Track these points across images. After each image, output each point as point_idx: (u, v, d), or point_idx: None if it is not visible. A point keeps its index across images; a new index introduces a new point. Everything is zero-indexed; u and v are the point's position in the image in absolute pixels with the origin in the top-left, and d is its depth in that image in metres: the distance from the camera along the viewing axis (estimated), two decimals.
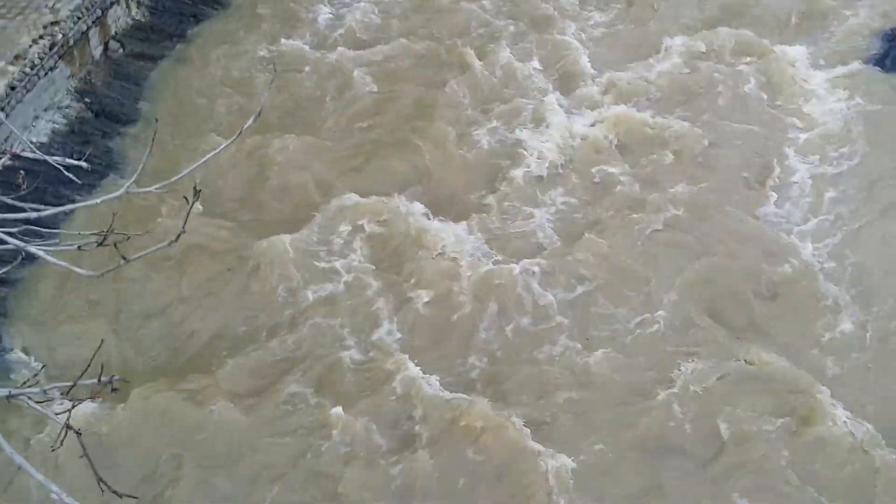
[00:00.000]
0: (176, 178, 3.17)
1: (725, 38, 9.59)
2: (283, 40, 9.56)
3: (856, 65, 9.35)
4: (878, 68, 9.29)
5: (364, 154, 8.41)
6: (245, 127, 3.29)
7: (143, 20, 9.73)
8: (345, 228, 7.61)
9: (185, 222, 2.65)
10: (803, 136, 8.57)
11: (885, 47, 9.44)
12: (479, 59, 9.32)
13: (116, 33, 9.36)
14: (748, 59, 9.41)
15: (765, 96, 9.00)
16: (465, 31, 9.69)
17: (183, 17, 10.01)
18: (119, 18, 9.38)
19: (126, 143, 8.40)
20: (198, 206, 7.40)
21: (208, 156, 3.08)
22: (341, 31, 9.75)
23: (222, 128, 8.46)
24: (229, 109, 8.74)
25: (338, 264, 7.36)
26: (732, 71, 9.25)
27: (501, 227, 7.75)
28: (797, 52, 9.38)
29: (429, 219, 7.75)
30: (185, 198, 2.52)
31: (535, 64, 9.35)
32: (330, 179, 8.13)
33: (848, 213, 7.79)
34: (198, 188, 2.61)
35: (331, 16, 9.93)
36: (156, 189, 3.20)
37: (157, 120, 7.79)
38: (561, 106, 8.83)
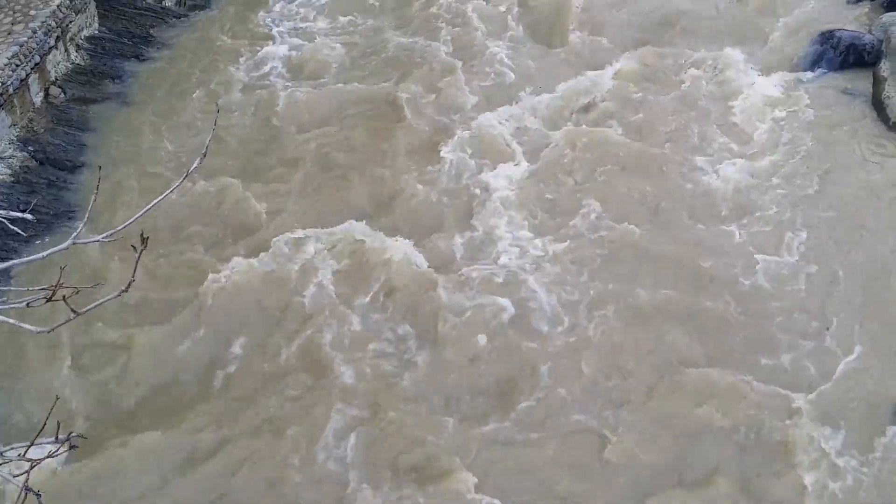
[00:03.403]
0: (122, 226, 3.13)
1: (662, 51, 9.78)
2: (226, 79, 9.52)
3: (791, 69, 9.60)
4: (815, 71, 9.57)
5: (315, 188, 8.35)
6: (191, 169, 3.26)
7: (83, 63, 9.62)
8: (300, 260, 7.56)
9: (135, 271, 2.61)
10: (743, 144, 8.72)
11: (819, 50, 9.71)
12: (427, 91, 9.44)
13: (57, 78, 9.24)
14: (685, 70, 9.58)
15: (705, 105, 9.15)
16: (411, 68, 9.67)
17: (124, 58, 9.94)
18: (59, 63, 9.27)
19: (73, 191, 8.28)
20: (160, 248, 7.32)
21: (154, 202, 3.04)
22: (286, 68, 9.74)
23: (170, 168, 8.38)
24: (175, 150, 8.66)
25: (299, 297, 7.31)
26: (671, 83, 9.42)
27: (459, 249, 7.77)
28: (733, 61, 9.59)
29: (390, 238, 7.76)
30: (133, 246, 2.48)
31: (479, 93, 9.48)
32: (279, 214, 8.06)
33: (794, 217, 7.94)
34: (145, 236, 2.57)
35: (275, 54, 9.91)
36: (102, 239, 3.15)
37: (100, 168, 7.66)
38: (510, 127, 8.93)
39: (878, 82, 9.26)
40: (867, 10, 10.49)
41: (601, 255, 7.55)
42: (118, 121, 9.06)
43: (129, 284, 2.54)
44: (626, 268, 7.45)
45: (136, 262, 2.54)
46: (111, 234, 3.16)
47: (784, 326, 6.95)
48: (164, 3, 10.60)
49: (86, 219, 3.18)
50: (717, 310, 7.10)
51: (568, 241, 7.68)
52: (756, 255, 7.55)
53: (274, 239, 7.67)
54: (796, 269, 7.41)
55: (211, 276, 7.31)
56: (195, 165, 3.26)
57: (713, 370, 6.71)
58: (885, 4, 10.35)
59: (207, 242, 7.70)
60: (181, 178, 3.25)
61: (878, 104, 9.10)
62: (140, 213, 3.04)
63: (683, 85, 9.41)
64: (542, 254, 7.57)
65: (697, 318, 7.07)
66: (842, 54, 9.61)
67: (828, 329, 6.94)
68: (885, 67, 9.24)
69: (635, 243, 7.65)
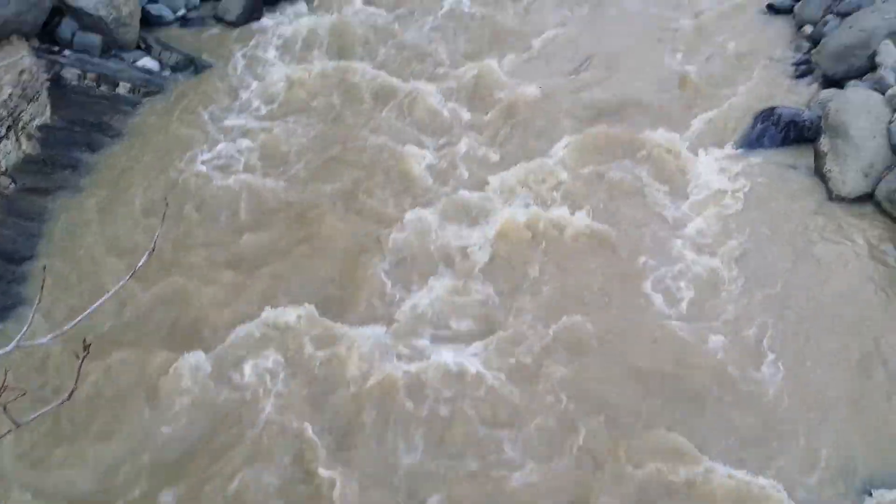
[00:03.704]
0: (68, 326, 3.07)
1: (606, 134, 10.00)
2: (179, 169, 9.50)
3: (736, 147, 9.90)
4: (757, 148, 9.88)
5: (267, 278, 8.29)
6: (138, 266, 3.23)
7: (34, 153, 9.55)
8: (253, 349, 7.44)
9: (77, 378, 2.54)
10: (690, 223, 8.87)
11: (761, 128, 10.04)
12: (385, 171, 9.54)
13: (7, 169, 9.14)
14: (629, 152, 9.79)
15: (649, 186, 9.33)
16: (369, 163, 9.77)
17: (76, 146, 9.88)
18: (9, 153, 9.19)
19: (23, 284, 8.07)
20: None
21: (99, 301, 3.00)
22: (240, 159, 9.75)
23: (122, 260, 8.24)
24: (127, 241, 8.52)
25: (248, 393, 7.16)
26: (617, 165, 9.58)
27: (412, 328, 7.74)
28: (681, 141, 9.85)
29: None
30: (76, 353, 2.43)
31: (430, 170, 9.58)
32: (227, 307, 7.95)
33: (741, 297, 8.04)
34: (87, 342, 2.52)
35: (230, 145, 9.93)
36: (48, 340, 3.08)
37: (45, 268, 7.51)
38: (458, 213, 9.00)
39: (818, 157, 9.57)
40: (807, 86, 10.92)
41: (548, 346, 7.53)
42: (70, 211, 8.94)
43: (71, 392, 2.47)
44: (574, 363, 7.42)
45: (79, 369, 2.48)
46: (56, 336, 3.10)
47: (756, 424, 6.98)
48: (117, 90, 10.63)
49: (30, 321, 3.11)
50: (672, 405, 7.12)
51: (512, 330, 7.66)
52: (713, 338, 7.64)
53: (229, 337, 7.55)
54: (757, 357, 7.48)
55: (161, 379, 7.16)
56: (142, 262, 3.23)
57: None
58: (823, 81, 10.79)
59: (157, 342, 7.51)
60: (128, 275, 3.22)
61: (820, 177, 9.39)
62: (84, 314, 2.99)
63: (633, 167, 9.58)
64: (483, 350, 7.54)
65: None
66: (783, 131, 9.94)
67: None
68: (824, 142, 9.56)
69: (582, 336, 7.66)
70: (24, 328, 3.14)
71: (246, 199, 9.07)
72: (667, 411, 6.99)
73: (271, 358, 7.32)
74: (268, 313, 7.69)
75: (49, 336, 3.03)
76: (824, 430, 6.81)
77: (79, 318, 2.81)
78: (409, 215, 8.82)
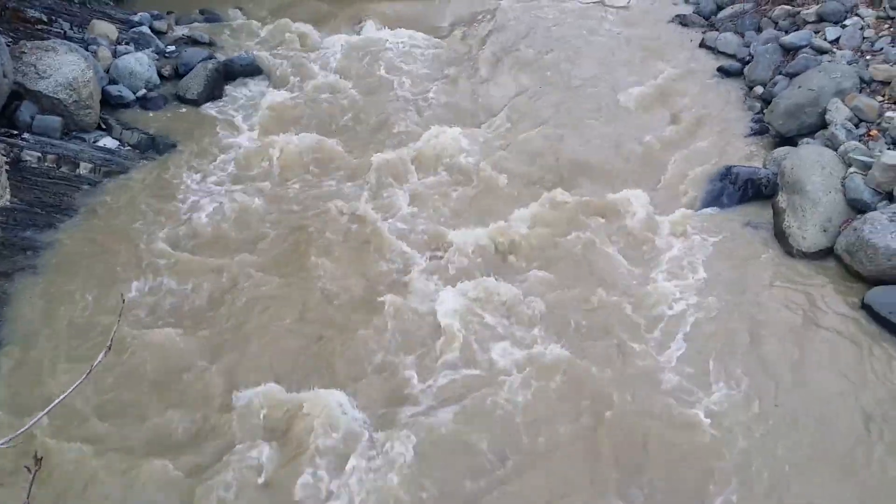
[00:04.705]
0: (23, 429, 2.97)
1: (565, 199, 10.11)
2: (141, 249, 9.39)
3: (694, 206, 10.07)
4: (716, 207, 10.04)
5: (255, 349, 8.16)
6: (95, 364, 3.14)
7: None
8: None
9: (30, 493, 2.44)
10: (649, 286, 8.91)
11: (719, 186, 10.25)
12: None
13: None
14: (588, 215, 9.90)
15: (613, 251, 9.40)
16: (330, 238, 9.79)
17: (37, 228, 9.75)
18: None
19: None
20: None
21: (52, 405, 2.91)
22: (202, 237, 9.68)
23: (84, 346, 8.04)
24: (88, 326, 8.33)
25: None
26: (577, 231, 9.66)
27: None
28: (639, 203, 9.99)
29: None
30: (27, 467, 2.33)
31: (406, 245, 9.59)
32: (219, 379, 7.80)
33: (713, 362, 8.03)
34: (39, 455, 2.43)
35: (192, 224, 9.85)
36: (2, 445, 2.98)
37: None
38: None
39: (777, 213, 9.75)
40: (761, 145, 11.20)
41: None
42: (30, 295, 8.74)
43: None
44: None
45: (31, 485, 2.38)
46: (9, 440, 2.99)
47: None
48: (77, 171, 10.55)
49: None
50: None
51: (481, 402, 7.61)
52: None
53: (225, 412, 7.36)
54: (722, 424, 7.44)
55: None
56: (98, 360, 3.14)
57: None
58: (778, 139, 11.06)
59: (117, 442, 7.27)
60: (84, 375, 3.12)
61: (780, 234, 9.55)
62: (33, 422, 2.89)
63: (591, 230, 9.66)
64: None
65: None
66: (741, 189, 10.14)
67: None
68: (782, 199, 9.76)
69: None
70: None
71: (210, 279, 8.95)
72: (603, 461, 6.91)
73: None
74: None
75: (2, 441, 2.92)
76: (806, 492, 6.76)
77: (27, 426, 2.71)
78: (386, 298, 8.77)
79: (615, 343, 8.13)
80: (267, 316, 8.50)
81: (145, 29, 13.80)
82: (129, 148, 11.26)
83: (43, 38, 12.10)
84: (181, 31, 14.29)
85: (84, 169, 10.64)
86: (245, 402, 7.39)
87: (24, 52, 11.11)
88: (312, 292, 8.77)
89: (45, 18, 12.87)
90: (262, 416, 7.27)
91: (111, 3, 14.97)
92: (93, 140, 11.13)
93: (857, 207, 9.30)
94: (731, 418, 7.29)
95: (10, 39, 11.73)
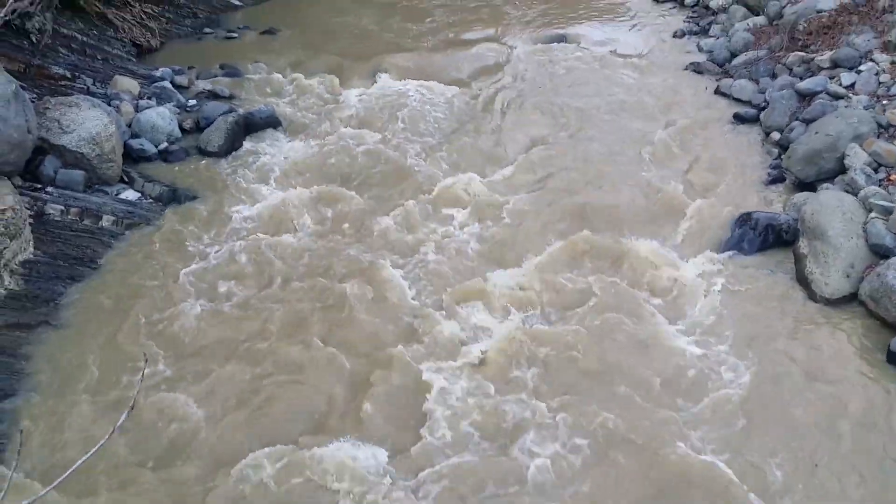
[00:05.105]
0: (43, 492, 2.96)
1: (587, 242, 10.11)
2: (164, 298, 9.45)
3: (715, 252, 10.02)
4: (738, 253, 9.99)
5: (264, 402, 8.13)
6: (117, 425, 3.15)
7: (17, 289, 9.49)
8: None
9: None
10: (678, 326, 8.87)
11: (739, 233, 10.20)
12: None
13: None
14: (612, 261, 9.88)
15: (637, 295, 9.36)
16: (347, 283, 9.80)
17: (59, 280, 9.85)
18: None
19: (6, 425, 7.85)
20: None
21: (76, 465, 2.90)
22: (226, 288, 9.73)
23: (106, 401, 8.04)
24: (110, 379, 8.34)
25: None
26: (598, 276, 9.63)
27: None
28: (659, 249, 9.97)
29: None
30: None
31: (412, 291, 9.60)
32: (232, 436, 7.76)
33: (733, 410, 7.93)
34: None
35: (215, 274, 9.92)
36: None
37: (21, 432, 7.30)
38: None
39: (799, 260, 9.68)
40: (780, 190, 11.17)
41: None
42: (53, 348, 8.80)
43: None
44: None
45: None
46: (33, 501, 2.98)
47: None
48: (100, 223, 10.68)
49: (5, 489, 2.99)
50: None
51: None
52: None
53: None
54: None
55: None
56: (122, 420, 3.15)
57: None
58: (796, 184, 11.04)
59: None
60: (107, 435, 3.13)
61: (802, 281, 9.47)
62: (59, 480, 2.89)
63: (615, 275, 9.64)
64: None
65: None
66: (761, 235, 10.09)
67: None
68: (803, 245, 9.70)
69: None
70: (6, 485, 3.02)
71: (230, 331, 8.97)
72: None
73: None
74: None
75: (26, 502, 2.91)
76: None
77: (51, 486, 2.71)
78: (395, 350, 8.74)
79: (638, 401, 8.03)
80: (285, 374, 8.48)
81: (167, 84, 14.06)
82: (150, 200, 11.41)
83: (67, 94, 12.36)
84: (202, 85, 14.54)
85: (106, 221, 10.77)
86: (259, 463, 7.36)
87: (48, 108, 11.34)
88: (332, 350, 8.75)
89: (68, 75, 13.15)
90: (274, 478, 7.23)
91: (133, 59, 15.28)
92: (115, 193, 11.29)
93: (880, 253, 9.22)
94: (768, 477, 7.16)
95: (35, 95, 11.99)
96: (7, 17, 11.91)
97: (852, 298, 9.12)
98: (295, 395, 8.21)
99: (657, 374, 8.30)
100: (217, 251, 10.32)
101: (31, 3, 12.89)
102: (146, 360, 8.26)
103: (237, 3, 19.56)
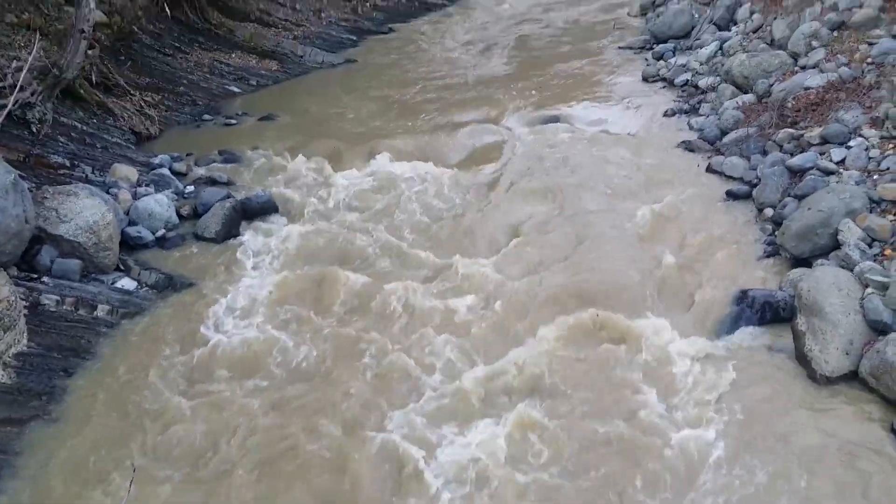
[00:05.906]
0: None
1: (583, 321, 10.08)
2: (157, 390, 9.37)
3: (712, 331, 9.95)
4: (734, 332, 9.90)
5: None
6: None
7: (9, 382, 9.40)
8: None
9: None
10: (676, 410, 8.74)
11: (736, 311, 10.16)
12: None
13: None
14: (609, 340, 9.82)
15: (634, 376, 9.27)
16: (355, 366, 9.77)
17: (52, 372, 9.77)
18: None
19: None
20: None
21: None
22: (224, 376, 9.65)
23: (99, 499, 7.91)
24: (104, 477, 8.18)
25: None
26: (596, 355, 9.59)
27: None
28: (657, 327, 9.90)
29: None
30: None
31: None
32: None
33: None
34: None
35: (213, 361, 9.87)
36: None
37: None
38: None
39: (797, 337, 9.60)
40: (775, 267, 11.16)
41: None
42: (41, 446, 8.66)
43: None
44: None
45: None
46: None
47: None
48: (95, 313, 10.66)
49: None
50: None
51: None
52: None
53: None
54: None
55: None
56: None
57: None
58: (791, 260, 11.04)
59: None
60: None
61: (801, 358, 9.37)
62: None
63: (610, 354, 9.57)
64: None
65: None
66: (758, 312, 10.04)
67: None
68: (801, 322, 9.63)
69: None
70: None
71: (222, 428, 8.83)
72: None
73: None
74: None
75: None
76: None
77: None
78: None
79: (638, 484, 7.87)
80: (284, 463, 8.33)
81: (165, 171, 14.25)
82: (146, 288, 11.42)
83: (65, 183, 12.51)
84: (200, 171, 14.74)
85: (102, 311, 10.75)
86: None
87: (45, 198, 11.45)
88: (331, 436, 8.62)
89: (67, 163, 13.34)
90: None
91: (132, 147, 15.52)
92: (111, 281, 11.31)
93: (878, 328, 9.14)
94: None
95: (34, 184, 12.13)
96: (10, 109, 12.14)
97: (853, 376, 8.98)
98: (297, 487, 8.06)
99: (648, 450, 8.19)
100: (212, 339, 10.24)
101: (33, 94, 13.17)
102: (133, 471, 8.08)
103: (236, 90, 19.98)
